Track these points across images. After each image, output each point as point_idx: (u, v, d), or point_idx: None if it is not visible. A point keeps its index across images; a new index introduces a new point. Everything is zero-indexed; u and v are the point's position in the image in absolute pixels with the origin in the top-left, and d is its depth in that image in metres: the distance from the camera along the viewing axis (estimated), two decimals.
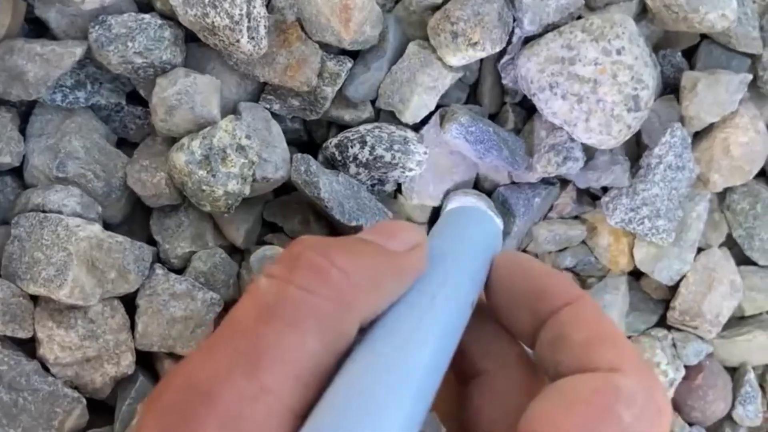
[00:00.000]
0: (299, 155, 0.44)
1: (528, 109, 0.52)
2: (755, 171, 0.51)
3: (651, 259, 0.53)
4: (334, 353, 0.18)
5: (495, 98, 0.51)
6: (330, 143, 0.46)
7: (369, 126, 0.46)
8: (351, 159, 0.45)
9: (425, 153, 0.46)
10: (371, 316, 0.20)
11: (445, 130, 0.46)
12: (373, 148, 0.45)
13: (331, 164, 0.47)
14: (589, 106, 0.45)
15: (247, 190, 0.42)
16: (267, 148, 0.44)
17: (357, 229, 0.46)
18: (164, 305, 0.41)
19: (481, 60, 0.51)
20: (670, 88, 0.53)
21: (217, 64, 0.44)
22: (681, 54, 0.53)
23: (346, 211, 0.44)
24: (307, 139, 0.50)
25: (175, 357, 0.42)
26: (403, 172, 0.47)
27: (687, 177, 0.50)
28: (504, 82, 0.50)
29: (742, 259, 0.54)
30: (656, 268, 0.53)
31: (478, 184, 0.53)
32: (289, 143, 0.50)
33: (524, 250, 0.55)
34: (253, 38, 0.39)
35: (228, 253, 0.46)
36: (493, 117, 0.52)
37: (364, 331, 0.20)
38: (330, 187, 0.43)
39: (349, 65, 0.44)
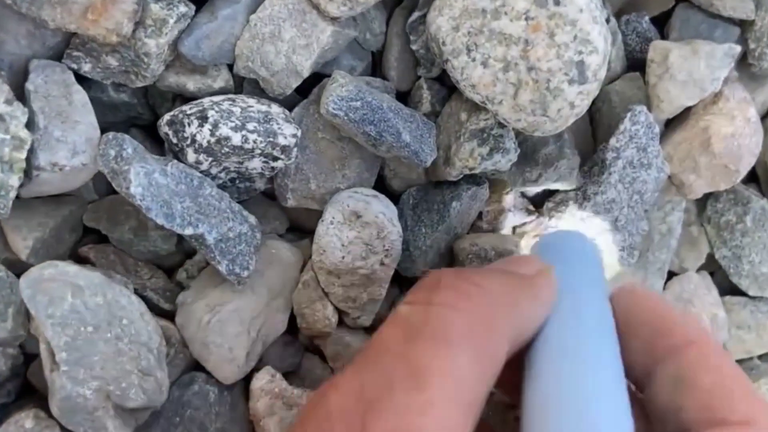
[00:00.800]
0: (110, 135, 0.31)
1: (450, 87, 0.40)
2: (743, 172, 0.38)
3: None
4: (485, 375, 0.19)
5: (406, 71, 0.39)
6: (162, 121, 0.34)
7: (218, 98, 0.33)
8: (188, 142, 0.33)
9: (295, 136, 0.34)
10: (517, 339, 0.21)
11: (321, 104, 0.34)
12: (215, 126, 0.32)
13: (173, 152, 0.35)
14: (517, 77, 0.33)
15: (14, 181, 0.29)
16: (62, 124, 0.31)
17: (197, 239, 0.33)
18: None
19: (389, 20, 0.39)
20: (635, 65, 0.41)
21: None
22: (650, 21, 0.41)
23: (177, 215, 0.31)
24: (152, 117, 0.38)
25: None
26: (266, 163, 0.34)
27: (654, 178, 0.38)
28: (414, 47, 0.38)
29: (727, 288, 0.42)
30: None
31: (383, 183, 0.40)
32: (122, 123, 0.37)
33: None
34: None
35: (19, 271, 0.33)
36: (405, 95, 0.40)
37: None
38: (146, 181, 0.30)
39: (185, 10, 0.32)
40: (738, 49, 0.38)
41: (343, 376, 0.19)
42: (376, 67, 0.40)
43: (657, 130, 0.37)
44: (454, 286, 0.20)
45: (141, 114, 0.37)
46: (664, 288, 0.40)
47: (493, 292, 0.21)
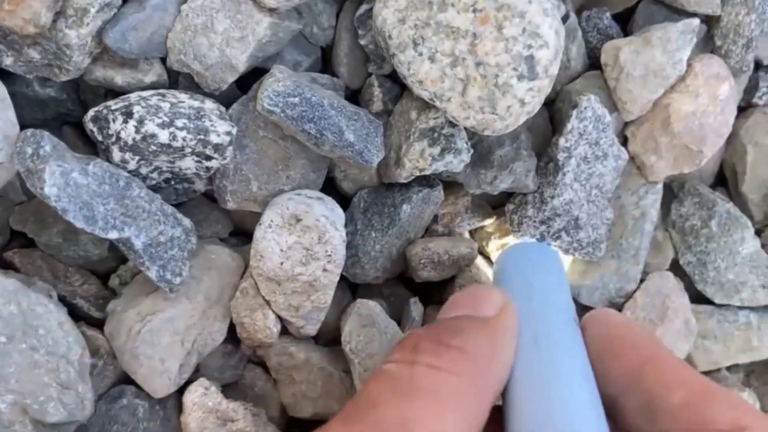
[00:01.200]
0: (29, 131, 0.29)
1: (402, 85, 0.38)
2: (708, 153, 0.36)
3: (576, 276, 0.39)
4: (473, 430, 0.19)
5: (356, 67, 0.37)
6: (87, 117, 0.32)
7: (147, 93, 0.31)
8: (113, 140, 0.31)
9: (229, 134, 0.32)
10: (498, 386, 0.22)
11: (257, 100, 0.32)
12: (140, 122, 0.30)
13: (102, 151, 0.33)
14: (465, 72, 0.31)
15: None
16: None
17: (124, 243, 0.31)
18: None
19: (338, 13, 0.37)
20: (597, 63, 0.39)
21: None
22: (614, 17, 0.40)
23: (99, 217, 0.29)
24: (84, 114, 0.36)
25: None
26: (199, 162, 0.32)
27: (612, 167, 0.36)
28: (362, 42, 0.36)
29: (693, 295, 0.40)
30: (582, 289, 0.38)
31: (333, 185, 0.38)
32: (53, 120, 0.35)
33: (400, 277, 0.40)
34: None
35: None
36: (357, 93, 0.38)
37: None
38: (63, 180, 0.28)
39: None
40: (696, 22, 0.36)
41: (332, 426, 0.19)
42: (325, 63, 0.39)
43: (608, 119, 0.35)
44: (435, 349, 0.20)
45: (72, 110, 0.35)
46: (642, 281, 0.38)
47: (470, 351, 0.21)
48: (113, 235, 0.30)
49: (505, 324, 0.23)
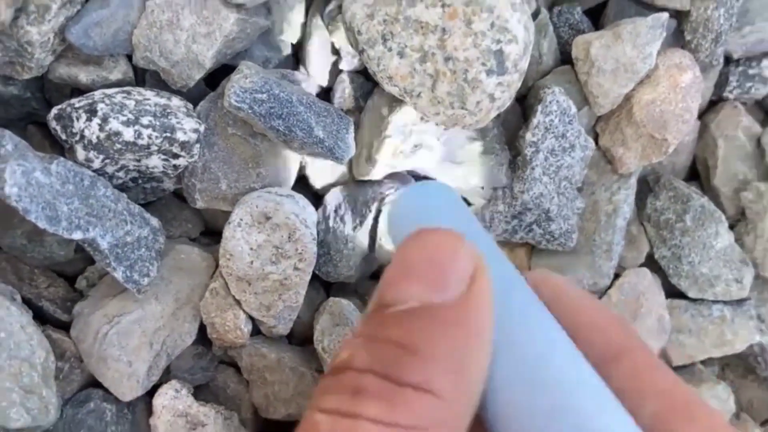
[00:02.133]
0: None
1: (374, 81, 0.37)
2: (673, 141, 0.36)
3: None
4: None
5: (328, 64, 0.37)
6: (50, 115, 0.31)
7: (112, 90, 0.31)
8: (77, 138, 0.30)
9: (196, 131, 0.31)
10: (472, 412, 0.16)
11: (225, 96, 0.31)
12: (104, 120, 0.29)
13: (69, 150, 0.32)
14: (435, 67, 0.31)
15: None
16: None
17: (89, 244, 0.30)
18: None
19: (308, 9, 0.37)
20: (569, 58, 0.39)
21: None
22: (584, 13, 0.40)
23: (62, 217, 0.29)
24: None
25: None
26: (167, 161, 0.32)
27: (580, 157, 0.36)
28: (333, 39, 0.36)
29: (668, 290, 0.40)
30: None
31: (306, 183, 0.38)
32: (19, 120, 0.34)
33: (375, 275, 0.40)
34: None
35: None
36: (327, 91, 0.38)
37: None
38: (24, 180, 0.28)
39: None
40: (665, 16, 0.36)
41: None
42: (298, 60, 0.38)
43: (573, 111, 0.35)
44: (385, 393, 0.15)
45: (37, 110, 0.34)
46: (617, 276, 0.38)
47: (436, 389, 0.15)
48: (78, 235, 0.29)
49: (479, 307, 0.16)
